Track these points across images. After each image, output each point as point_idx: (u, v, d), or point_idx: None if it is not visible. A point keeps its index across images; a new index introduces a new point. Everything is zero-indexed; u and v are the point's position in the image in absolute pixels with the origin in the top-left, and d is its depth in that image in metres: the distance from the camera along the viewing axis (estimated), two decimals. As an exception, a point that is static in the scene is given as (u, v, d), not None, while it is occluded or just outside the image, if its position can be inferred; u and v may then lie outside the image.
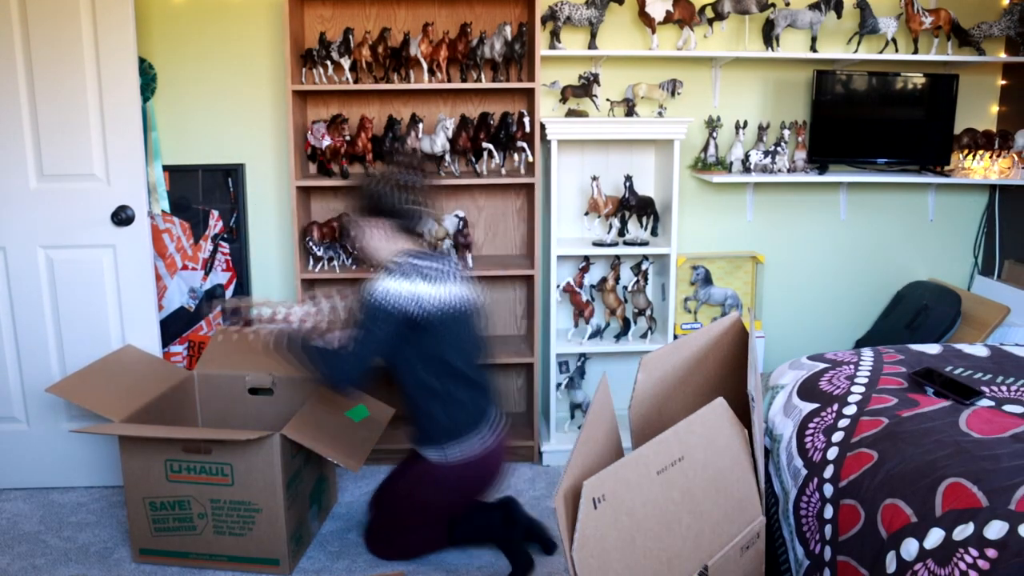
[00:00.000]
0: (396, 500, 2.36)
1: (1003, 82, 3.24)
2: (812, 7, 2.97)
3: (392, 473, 2.44)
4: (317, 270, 2.90)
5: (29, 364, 2.73)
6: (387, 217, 2.22)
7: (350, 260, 2.95)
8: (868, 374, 1.99)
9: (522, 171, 2.93)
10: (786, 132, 3.08)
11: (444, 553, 2.40)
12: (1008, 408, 1.72)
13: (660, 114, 3.02)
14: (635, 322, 3.08)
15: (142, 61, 2.90)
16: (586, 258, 2.99)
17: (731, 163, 3.09)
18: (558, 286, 2.96)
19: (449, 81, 2.87)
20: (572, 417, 3.11)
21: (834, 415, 1.82)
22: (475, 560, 2.37)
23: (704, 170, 3.11)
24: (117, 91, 2.58)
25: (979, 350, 2.16)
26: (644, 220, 3.05)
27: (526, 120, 2.80)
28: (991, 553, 1.29)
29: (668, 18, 2.92)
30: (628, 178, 2.92)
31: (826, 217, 3.29)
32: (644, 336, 3.03)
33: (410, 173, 2.25)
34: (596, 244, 2.96)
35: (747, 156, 3.05)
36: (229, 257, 3.10)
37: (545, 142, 2.92)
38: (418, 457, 2.28)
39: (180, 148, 3.03)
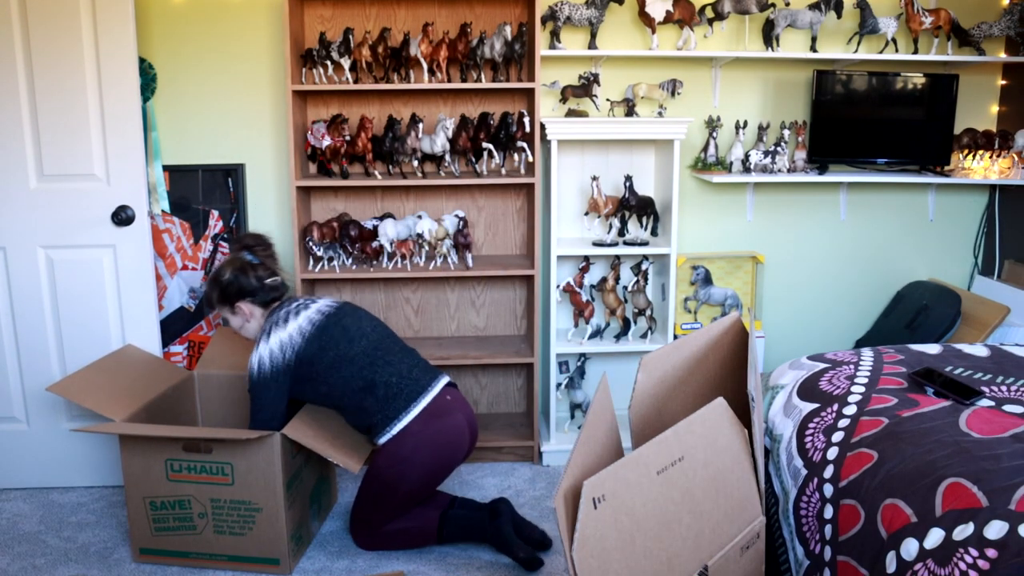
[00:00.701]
0: (367, 486, 2.36)
1: (1003, 82, 3.24)
2: (812, 7, 2.97)
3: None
4: (317, 270, 2.90)
5: (29, 364, 2.73)
6: (244, 299, 2.42)
7: (350, 260, 2.95)
8: (868, 374, 1.99)
9: (522, 171, 2.93)
10: (786, 132, 3.08)
11: (444, 553, 2.40)
12: (1008, 408, 1.72)
13: (660, 114, 3.02)
14: (635, 322, 3.08)
15: (142, 61, 2.90)
16: (586, 258, 2.99)
17: (731, 163, 3.09)
18: (558, 286, 2.96)
19: (449, 81, 2.87)
20: (572, 417, 3.11)
21: (834, 415, 1.82)
22: (475, 560, 2.37)
23: (704, 170, 3.11)
24: (117, 91, 2.58)
25: (979, 350, 2.16)
26: (644, 220, 3.05)
27: (526, 120, 2.80)
28: (991, 553, 1.29)
29: (668, 18, 2.92)
30: (628, 178, 2.92)
31: (826, 217, 3.29)
32: (644, 336, 3.03)
33: (250, 251, 2.45)
34: (596, 244, 2.96)
35: (747, 156, 3.05)
36: (229, 257, 3.10)
37: (545, 142, 2.92)
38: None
39: (180, 148, 3.03)
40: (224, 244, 3.09)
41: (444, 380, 2.43)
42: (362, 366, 2.31)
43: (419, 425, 2.29)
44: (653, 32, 2.94)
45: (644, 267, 3.00)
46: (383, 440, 2.31)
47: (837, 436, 1.75)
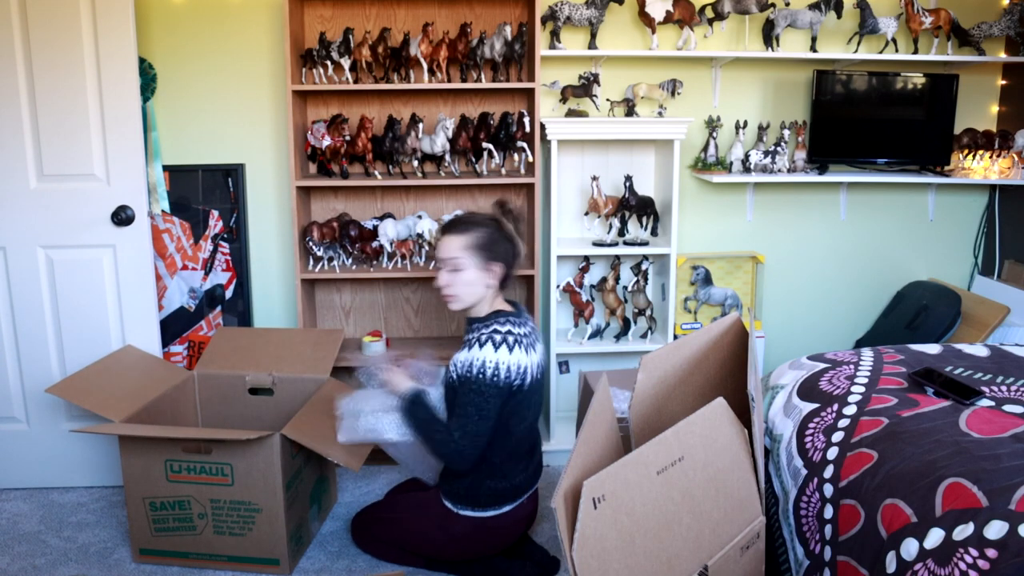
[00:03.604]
0: (399, 507, 2.31)
1: (1003, 82, 3.24)
2: (812, 7, 2.97)
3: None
4: (317, 270, 2.90)
5: (29, 364, 2.73)
6: (499, 263, 2.15)
7: (350, 260, 2.95)
8: (868, 374, 1.99)
9: (522, 171, 2.93)
10: (786, 132, 3.08)
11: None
12: (1008, 408, 1.72)
13: (660, 114, 3.02)
14: (635, 322, 3.08)
15: (142, 61, 2.90)
16: (586, 258, 2.99)
17: (731, 163, 3.09)
18: (558, 286, 2.96)
19: (449, 81, 2.87)
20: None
21: (834, 415, 1.82)
22: (475, 560, 2.37)
23: (704, 170, 3.11)
24: (117, 91, 2.58)
25: (979, 350, 2.16)
26: (644, 220, 3.05)
27: (526, 120, 2.80)
28: (991, 553, 1.29)
29: (668, 18, 2.92)
30: (628, 178, 2.92)
31: (826, 217, 3.29)
32: (644, 336, 3.03)
33: (516, 227, 2.21)
34: (596, 244, 2.96)
35: (747, 156, 3.05)
36: (229, 257, 3.10)
37: (545, 142, 2.92)
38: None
39: (180, 148, 3.03)
40: (224, 244, 3.08)
41: (535, 488, 2.29)
42: (506, 448, 2.13)
43: (482, 523, 2.18)
44: (653, 32, 2.94)
45: (644, 267, 3.00)
46: (447, 503, 2.19)
47: (837, 436, 1.75)
